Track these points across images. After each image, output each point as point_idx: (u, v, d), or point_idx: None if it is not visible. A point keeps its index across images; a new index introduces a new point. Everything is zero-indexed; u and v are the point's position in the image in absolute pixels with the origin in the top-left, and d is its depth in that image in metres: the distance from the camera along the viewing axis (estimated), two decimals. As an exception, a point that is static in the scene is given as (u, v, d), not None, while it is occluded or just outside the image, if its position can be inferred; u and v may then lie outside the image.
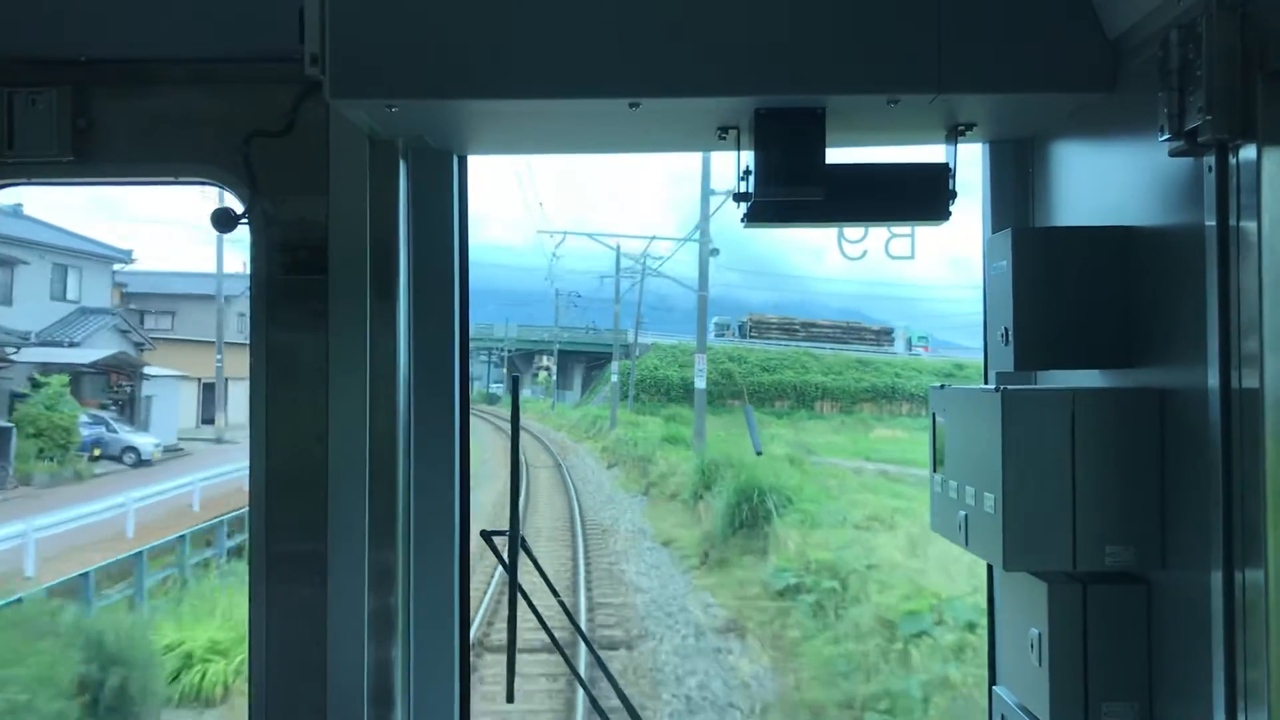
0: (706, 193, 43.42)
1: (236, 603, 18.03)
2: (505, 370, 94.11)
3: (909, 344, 79.81)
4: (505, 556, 3.83)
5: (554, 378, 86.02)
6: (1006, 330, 3.22)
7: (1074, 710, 3.05)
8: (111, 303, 52.91)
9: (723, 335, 79.48)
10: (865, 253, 3.77)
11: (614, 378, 63.04)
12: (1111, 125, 3.25)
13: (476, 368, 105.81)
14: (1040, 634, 3.11)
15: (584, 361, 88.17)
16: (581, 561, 25.35)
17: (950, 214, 3.60)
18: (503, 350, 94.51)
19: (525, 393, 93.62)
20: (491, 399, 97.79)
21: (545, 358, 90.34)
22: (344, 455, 3.74)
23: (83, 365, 45.85)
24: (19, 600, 18.34)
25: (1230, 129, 2.56)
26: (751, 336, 76.63)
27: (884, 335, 76.05)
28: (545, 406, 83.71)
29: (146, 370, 51.53)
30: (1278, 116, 2.51)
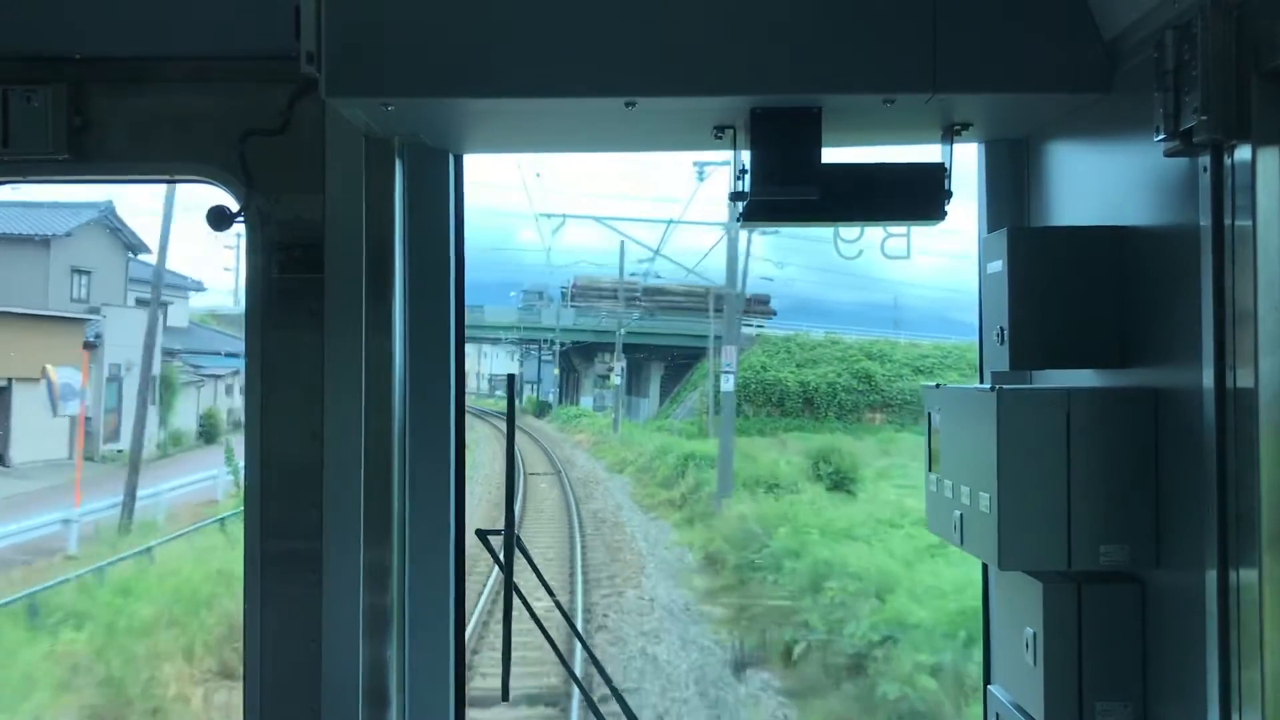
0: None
1: None
2: (555, 369, 77.38)
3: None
4: (501, 555, 3.84)
5: (621, 382, 60.34)
6: (1002, 330, 3.22)
7: (1068, 709, 3.06)
8: None
9: (533, 306, 69.46)
10: (861, 252, 3.79)
11: (727, 380, 33.86)
12: (1107, 125, 3.26)
13: (527, 367, 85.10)
14: (1035, 633, 3.11)
15: (663, 359, 66.43)
16: None
17: (946, 213, 3.60)
18: (554, 344, 73.78)
19: (586, 402, 74.49)
20: (542, 409, 77.16)
21: (610, 355, 65.08)
22: (339, 453, 3.73)
23: None
24: None
25: (1225, 129, 2.57)
26: (575, 305, 65.36)
27: (759, 304, 59.68)
28: (605, 424, 58.16)
29: None
30: (1272, 117, 2.52)
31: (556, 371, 79.20)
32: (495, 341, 79.14)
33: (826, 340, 54.85)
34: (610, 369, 63.46)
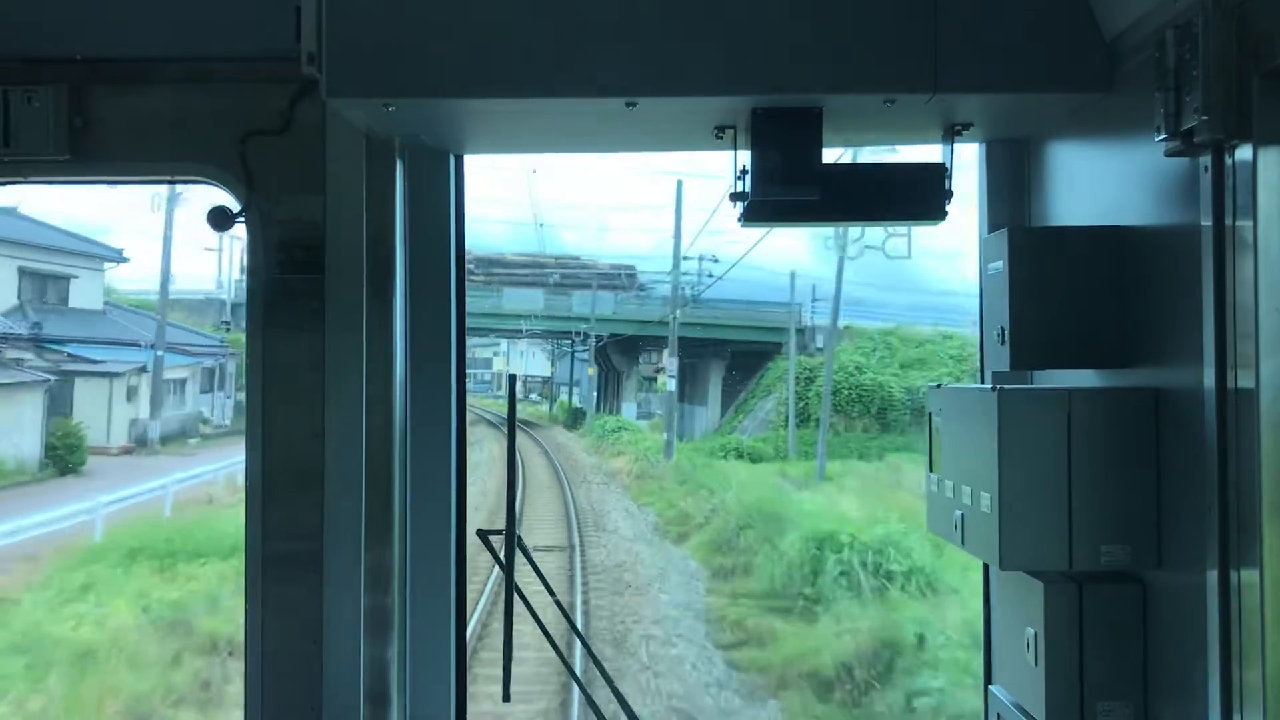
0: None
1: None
2: (591, 368, 62.67)
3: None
4: (502, 556, 3.84)
5: (672, 386, 43.31)
6: (1003, 330, 3.22)
7: (1069, 710, 3.05)
8: None
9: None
10: (863, 252, 3.78)
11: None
12: (1108, 125, 3.26)
13: (564, 368, 71.52)
14: (1036, 633, 3.11)
15: (724, 358, 51.37)
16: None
17: (947, 213, 3.60)
18: (588, 337, 58.32)
19: (628, 410, 59.93)
20: (575, 418, 63.08)
21: (663, 355, 49.67)
22: (340, 454, 3.73)
23: None
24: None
25: (1226, 129, 2.56)
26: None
27: (626, 275, 50.93)
28: (652, 443, 41.57)
29: None
30: (1273, 117, 2.52)
31: (592, 371, 65.65)
32: (518, 334, 64.24)
33: (936, 334, 43.52)
34: (659, 369, 51.92)
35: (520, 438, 44.25)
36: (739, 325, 50.27)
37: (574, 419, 63.44)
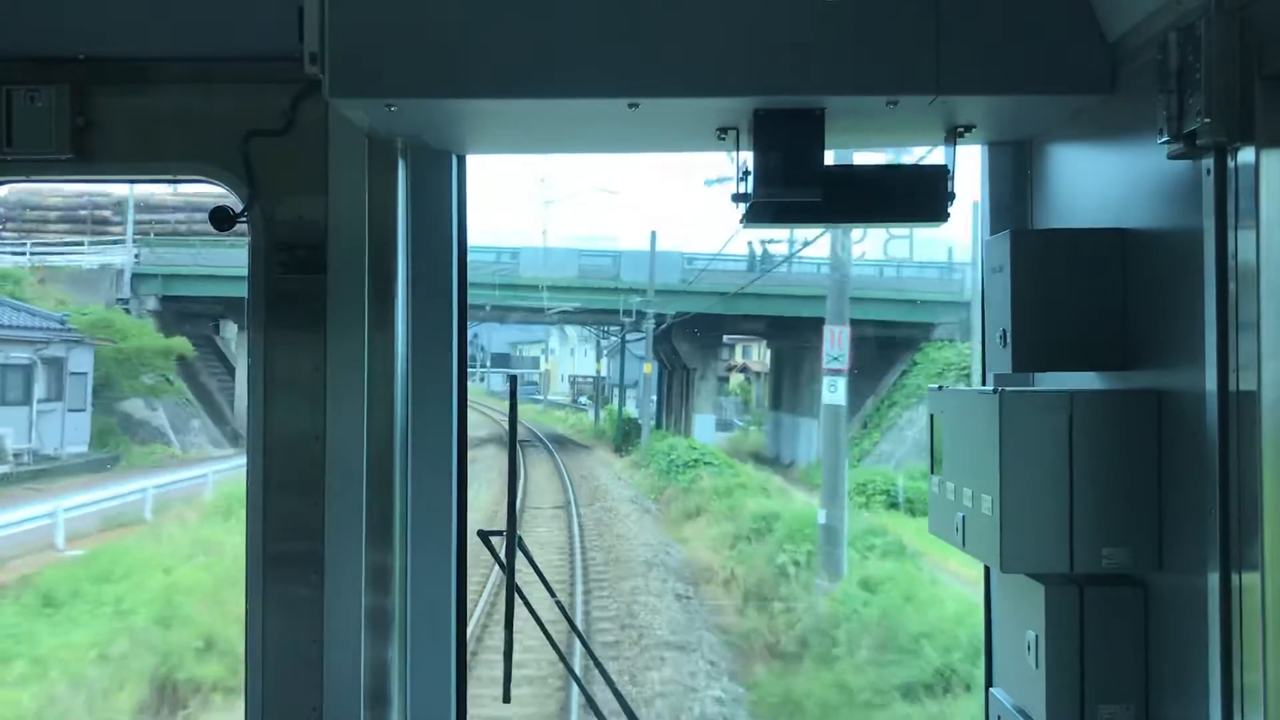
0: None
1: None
2: (649, 364, 45.16)
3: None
4: (503, 556, 3.85)
5: (837, 398, 20.37)
6: (1005, 332, 3.22)
7: (1070, 712, 3.05)
8: None
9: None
10: (863, 254, 3.76)
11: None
12: (1110, 127, 3.25)
13: (620, 365, 52.52)
14: (1037, 636, 3.11)
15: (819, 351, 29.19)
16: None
17: (949, 215, 3.60)
18: (641, 315, 42.83)
19: (703, 425, 42.45)
20: (626, 435, 46.59)
21: (736, 350, 38.90)
22: (341, 455, 3.75)
23: None
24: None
25: (1229, 132, 2.56)
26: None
27: None
28: (774, 515, 23.77)
29: None
30: (1276, 119, 2.51)
31: (650, 369, 46.67)
32: (540, 314, 48.34)
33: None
34: (738, 368, 35.50)
35: (538, 470, 37.58)
36: (860, 298, 29.55)
37: (625, 437, 46.86)
